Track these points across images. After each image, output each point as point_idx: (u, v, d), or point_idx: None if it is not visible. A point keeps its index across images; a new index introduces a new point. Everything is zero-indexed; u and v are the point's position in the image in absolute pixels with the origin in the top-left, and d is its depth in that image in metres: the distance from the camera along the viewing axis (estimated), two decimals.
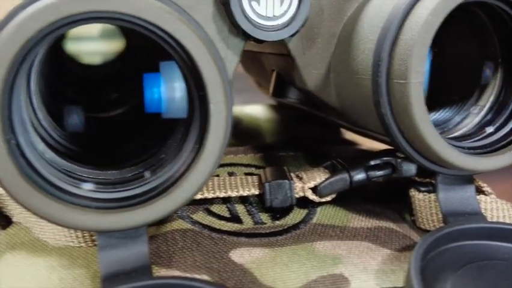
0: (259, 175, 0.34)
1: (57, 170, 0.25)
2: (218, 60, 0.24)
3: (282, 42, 0.32)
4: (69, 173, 0.26)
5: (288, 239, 0.31)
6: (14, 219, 0.33)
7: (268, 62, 0.40)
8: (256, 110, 0.55)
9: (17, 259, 0.30)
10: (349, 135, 0.52)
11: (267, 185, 0.32)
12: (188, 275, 0.27)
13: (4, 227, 0.33)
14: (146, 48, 0.31)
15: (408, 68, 0.27)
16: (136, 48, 0.34)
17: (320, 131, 0.50)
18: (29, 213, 0.30)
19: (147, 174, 0.26)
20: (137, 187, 0.26)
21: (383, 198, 0.37)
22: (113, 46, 0.37)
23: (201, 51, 0.23)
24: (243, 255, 0.29)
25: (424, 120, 0.28)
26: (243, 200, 0.34)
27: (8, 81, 0.22)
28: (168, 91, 0.30)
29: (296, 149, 0.43)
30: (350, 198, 0.35)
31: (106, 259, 0.26)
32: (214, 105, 0.24)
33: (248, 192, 0.33)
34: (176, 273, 0.28)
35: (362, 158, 0.33)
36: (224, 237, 0.30)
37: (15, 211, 0.32)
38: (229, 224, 0.32)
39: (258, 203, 0.34)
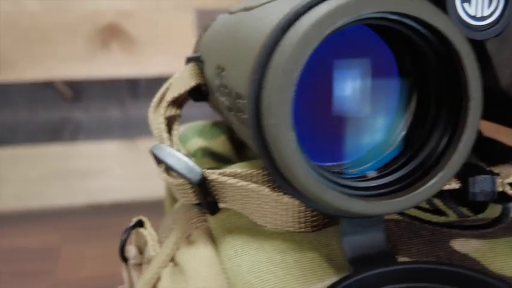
0: None
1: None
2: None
3: (479, 43, 0.33)
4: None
5: (497, 231, 0.32)
6: (221, 205, 0.35)
7: None
8: None
9: (240, 242, 0.32)
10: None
11: (471, 179, 0.33)
12: None
13: (213, 213, 0.35)
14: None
15: None
16: None
17: None
18: (247, 199, 0.33)
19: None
20: (384, 176, 0.27)
21: None
22: None
23: (467, 50, 0.25)
24: (464, 246, 0.30)
25: None
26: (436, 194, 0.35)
27: (299, 73, 0.23)
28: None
29: None
30: None
31: (350, 243, 0.28)
32: (473, 101, 0.25)
33: (449, 186, 0.34)
34: (407, 260, 0.29)
35: None
36: (437, 228, 0.31)
37: (231, 198, 0.33)
38: (435, 216, 0.33)
39: (451, 197, 0.35)
